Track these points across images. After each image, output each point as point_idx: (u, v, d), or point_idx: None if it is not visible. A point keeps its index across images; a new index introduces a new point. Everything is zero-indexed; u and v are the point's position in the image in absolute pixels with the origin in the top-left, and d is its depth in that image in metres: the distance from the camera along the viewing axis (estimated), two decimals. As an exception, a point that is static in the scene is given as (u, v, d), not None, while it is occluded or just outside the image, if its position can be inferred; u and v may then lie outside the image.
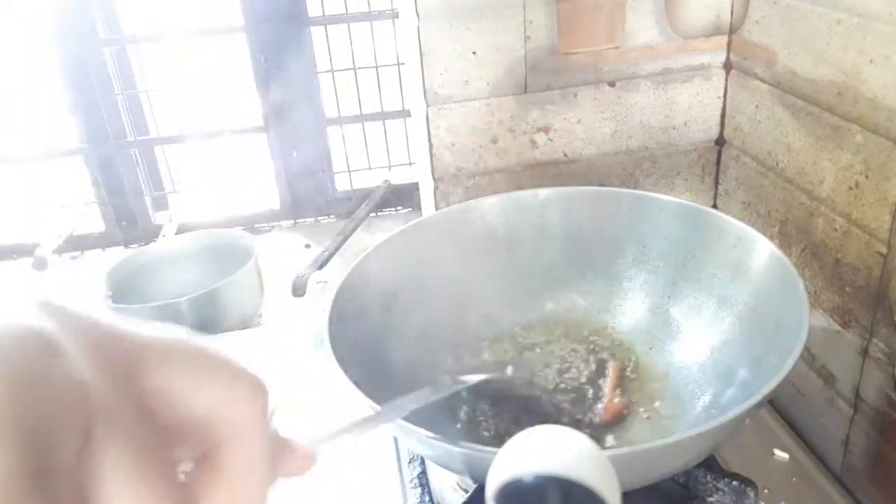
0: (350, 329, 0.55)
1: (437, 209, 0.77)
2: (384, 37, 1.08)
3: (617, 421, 0.60)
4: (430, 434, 0.44)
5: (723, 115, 0.79)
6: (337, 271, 0.95)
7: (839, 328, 0.62)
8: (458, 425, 0.63)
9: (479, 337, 0.70)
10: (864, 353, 0.59)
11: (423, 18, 0.69)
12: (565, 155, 0.78)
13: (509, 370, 0.52)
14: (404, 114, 1.12)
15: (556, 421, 0.62)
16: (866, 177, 0.57)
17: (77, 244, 1.12)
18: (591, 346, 0.69)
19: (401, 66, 1.07)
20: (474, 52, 0.72)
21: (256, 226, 1.16)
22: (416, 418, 0.46)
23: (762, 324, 0.57)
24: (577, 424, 0.61)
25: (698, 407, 0.60)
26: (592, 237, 0.70)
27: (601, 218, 0.70)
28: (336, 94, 1.10)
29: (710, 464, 0.54)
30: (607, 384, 0.63)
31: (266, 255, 1.00)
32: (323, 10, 1.04)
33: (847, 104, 0.58)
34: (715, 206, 0.83)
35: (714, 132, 0.80)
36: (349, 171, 1.14)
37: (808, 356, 0.66)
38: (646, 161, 0.80)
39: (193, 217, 1.14)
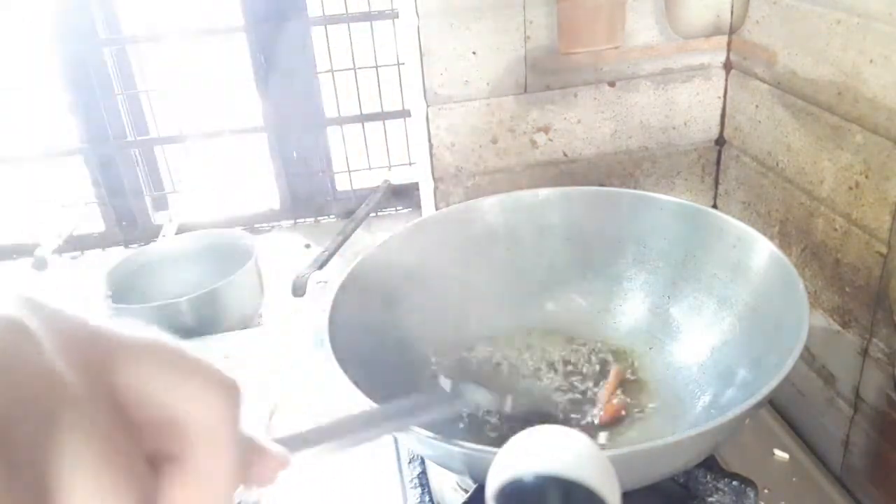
0: (350, 329, 0.55)
1: (437, 209, 0.77)
2: (384, 37, 1.08)
3: (615, 422, 0.60)
4: (430, 434, 0.44)
5: (723, 115, 0.79)
6: (337, 271, 0.95)
7: (839, 328, 0.62)
8: (460, 425, 0.63)
9: (479, 337, 0.70)
10: (864, 353, 0.59)
11: (423, 18, 0.69)
12: (565, 155, 0.78)
13: (508, 402, 0.52)
14: (404, 114, 1.11)
15: (556, 421, 0.62)
16: (866, 177, 0.57)
17: (77, 244, 1.12)
18: (591, 346, 0.69)
19: (401, 66, 1.06)
20: (474, 52, 0.72)
21: (256, 226, 1.16)
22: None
23: (762, 324, 0.57)
24: (575, 425, 0.61)
25: (698, 407, 0.60)
26: (592, 237, 0.70)
27: (601, 218, 0.70)
28: (336, 94, 1.10)
29: (710, 464, 0.54)
30: (607, 386, 0.63)
31: (266, 255, 1.00)
32: (323, 10, 1.04)
33: (847, 104, 0.58)
34: (715, 206, 0.83)
35: (714, 132, 0.80)
36: (349, 171, 1.14)
37: (808, 356, 0.66)
38: (646, 161, 0.80)
39: (193, 217, 1.14)
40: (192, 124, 1.13)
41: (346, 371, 0.48)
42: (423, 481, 0.58)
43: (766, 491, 0.60)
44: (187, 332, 0.81)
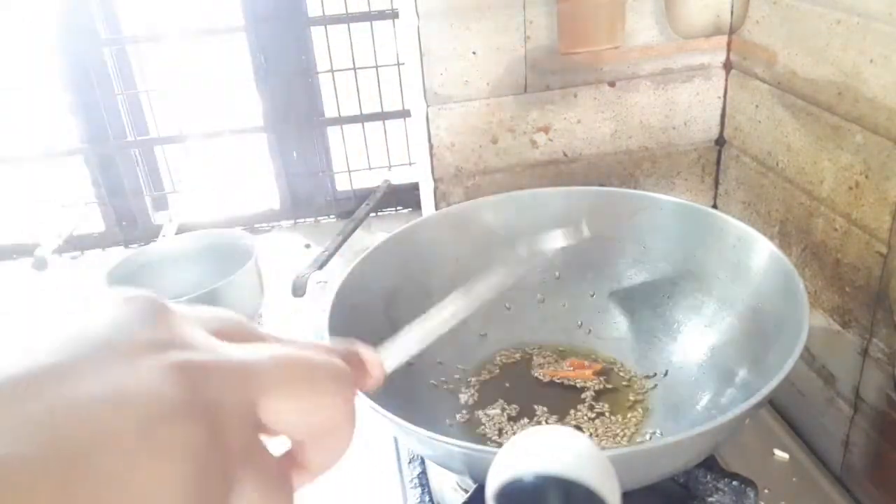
0: (350, 329, 0.55)
1: (437, 209, 0.77)
2: (384, 37, 1.08)
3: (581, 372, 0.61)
4: (430, 434, 0.44)
5: (723, 115, 0.79)
6: (337, 271, 0.95)
7: (839, 328, 0.62)
8: (459, 425, 0.63)
9: (479, 337, 0.70)
10: (864, 353, 0.59)
11: (423, 18, 0.69)
12: (565, 155, 0.78)
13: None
14: (404, 114, 1.11)
15: (550, 414, 0.62)
16: (866, 177, 0.57)
17: (77, 244, 1.12)
18: (591, 345, 0.69)
19: (401, 66, 1.06)
20: (474, 52, 0.72)
21: (256, 226, 1.16)
22: (417, 418, 0.46)
23: (762, 324, 0.58)
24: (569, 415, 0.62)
25: (698, 407, 0.60)
26: (592, 237, 0.70)
27: (601, 218, 0.70)
28: (336, 94, 1.10)
29: (710, 464, 0.54)
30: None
31: (266, 255, 1.00)
32: (323, 10, 1.04)
33: (847, 104, 0.58)
34: (715, 206, 0.83)
35: (714, 132, 0.80)
36: (349, 171, 1.14)
37: (808, 356, 0.66)
38: (646, 161, 0.80)
39: (193, 217, 1.14)
40: (192, 124, 1.12)
41: (346, 371, 0.48)
42: (423, 481, 0.58)
43: (766, 491, 0.60)
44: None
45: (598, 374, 0.66)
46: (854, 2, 0.55)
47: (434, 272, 0.67)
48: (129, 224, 1.14)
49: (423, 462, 0.59)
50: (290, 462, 0.24)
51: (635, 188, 0.80)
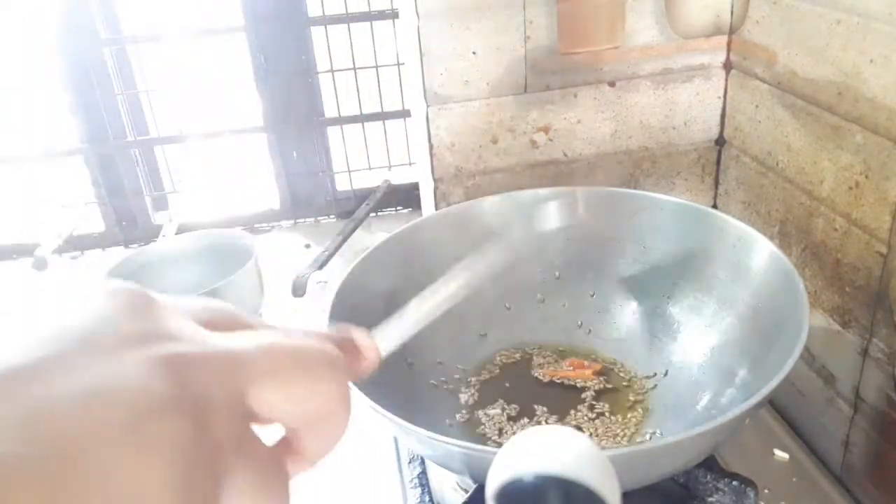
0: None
1: (437, 209, 0.77)
2: (384, 37, 1.08)
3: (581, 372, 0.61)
4: (430, 434, 0.44)
5: (723, 115, 0.79)
6: (337, 271, 0.95)
7: (839, 328, 0.62)
8: (459, 425, 0.63)
9: (479, 336, 0.70)
10: (864, 353, 0.59)
11: (423, 18, 0.69)
12: (565, 155, 0.78)
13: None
14: (404, 114, 1.11)
15: (551, 414, 0.62)
16: (866, 177, 0.57)
17: (77, 244, 1.12)
18: (591, 345, 0.69)
19: (401, 66, 1.06)
20: (474, 52, 0.72)
21: (256, 226, 1.16)
22: (417, 418, 0.46)
23: (762, 324, 0.58)
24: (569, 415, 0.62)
25: (698, 407, 0.60)
26: (592, 237, 0.70)
27: (601, 218, 0.70)
28: (336, 94, 1.09)
29: (710, 464, 0.54)
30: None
31: (266, 255, 1.00)
32: (323, 10, 1.04)
33: (847, 104, 0.58)
34: (715, 206, 0.83)
35: (714, 132, 0.80)
36: (349, 171, 1.14)
37: (808, 356, 0.66)
38: (646, 161, 0.80)
39: (193, 217, 1.14)
40: (192, 124, 1.12)
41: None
42: (423, 481, 0.58)
43: (766, 491, 0.60)
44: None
45: (597, 373, 0.66)
46: (854, 2, 0.55)
47: (434, 272, 0.66)
48: (129, 224, 1.14)
49: (423, 462, 0.59)
50: (285, 450, 0.23)
51: (635, 188, 0.80)
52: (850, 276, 0.60)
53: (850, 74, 0.57)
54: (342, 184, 1.17)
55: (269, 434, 0.23)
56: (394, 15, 1.04)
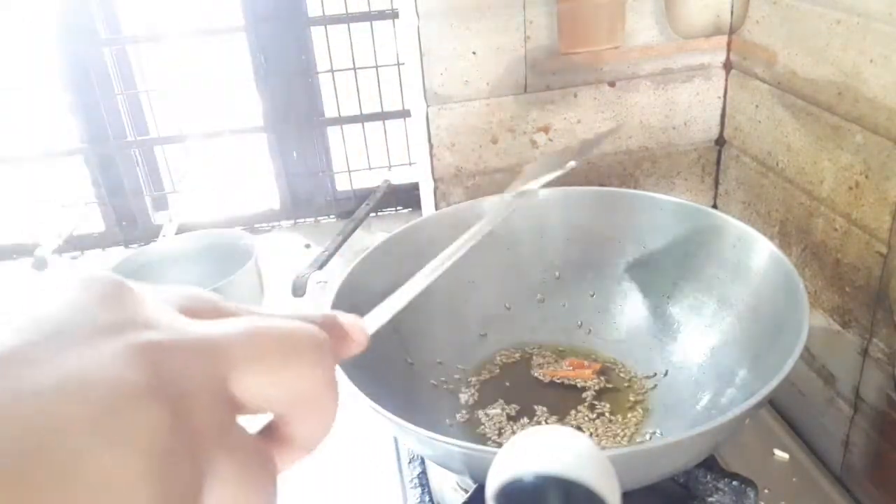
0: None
1: (437, 209, 0.77)
2: (384, 37, 1.08)
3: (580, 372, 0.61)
4: (430, 434, 0.44)
5: (723, 115, 0.79)
6: (337, 271, 0.95)
7: (839, 328, 0.62)
8: (459, 425, 0.63)
9: (479, 337, 0.70)
10: (864, 353, 0.59)
11: (423, 18, 0.69)
12: (565, 155, 0.78)
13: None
14: (404, 114, 1.11)
15: (551, 414, 0.62)
16: (866, 177, 0.57)
17: (77, 244, 1.12)
18: (591, 346, 0.69)
19: (401, 66, 1.06)
20: (474, 52, 0.72)
21: (256, 226, 1.16)
22: (417, 418, 0.46)
23: (762, 324, 0.58)
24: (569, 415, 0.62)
25: (698, 407, 0.60)
26: (592, 237, 0.71)
27: (601, 218, 0.70)
28: (336, 94, 1.09)
29: (710, 464, 0.54)
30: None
31: (266, 255, 1.00)
32: (323, 10, 1.04)
33: (847, 104, 0.58)
34: (715, 206, 0.83)
35: (714, 132, 0.80)
36: (349, 171, 1.14)
37: (808, 356, 0.66)
38: (646, 161, 0.80)
39: (193, 217, 1.14)
40: (192, 124, 1.12)
41: (345, 371, 0.48)
42: (423, 481, 0.58)
43: (766, 491, 0.60)
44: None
45: (597, 373, 0.66)
46: (854, 2, 0.55)
47: (434, 272, 0.67)
48: (129, 224, 1.14)
49: (423, 462, 0.59)
50: (273, 439, 0.23)
51: (635, 188, 0.80)
52: (850, 276, 0.60)
53: (850, 74, 0.57)
54: (342, 184, 1.17)
55: (254, 423, 0.22)
56: (394, 15, 1.04)
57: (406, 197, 1.15)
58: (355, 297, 0.59)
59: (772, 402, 0.71)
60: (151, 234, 1.10)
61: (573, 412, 0.63)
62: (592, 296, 0.71)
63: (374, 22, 1.06)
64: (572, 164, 0.44)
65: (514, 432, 0.61)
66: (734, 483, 0.52)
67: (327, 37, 1.06)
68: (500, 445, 0.31)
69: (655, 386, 0.64)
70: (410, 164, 1.15)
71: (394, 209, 1.17)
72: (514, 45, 0.72)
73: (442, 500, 0.59)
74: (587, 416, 0.62)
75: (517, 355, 0.69)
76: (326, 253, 0.99)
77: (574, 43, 0.73)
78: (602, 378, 0.66)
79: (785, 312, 0.54)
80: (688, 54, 0.76)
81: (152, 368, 0.18)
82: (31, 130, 1.19)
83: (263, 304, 0.91)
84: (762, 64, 0.70)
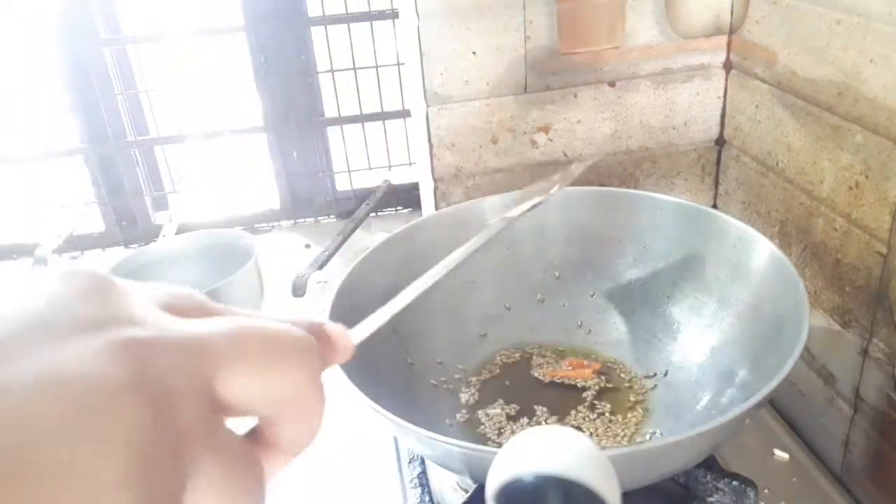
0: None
1: (437, 209, 0.77)
2: (384, 37, 1.08)
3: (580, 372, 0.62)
4: (430, 434, 0.44)
5: (723, 115, 0.79)
6: (337, 271, 0.95)
7: (839, 328, 0.62)
8: (459, 424, 0.63)
9: (479, 337, 0.70)
10: (864, 353, 0.59)
11: (423, 18, 0.69)
12: (565, 155, 0.78)
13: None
14: (404, 114, 1.11)
15: (551, 414, 0.62)
16: (866, 177, 0.57)
17: (77, 244, 1.12)
18: (591, 346, 0.69)
19: (401, 66, 1.06)
20: (474, 52, 0.72)
21: (256, 226, 1.16)
22: (417, 418, 0.46)
23: (762, 324, 0.58)
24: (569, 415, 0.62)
25: (698, 407, 0.60)
26: (592, 237, 0.71)
27: (601, 218, 0.70)
28: (336, 94, 1.09)
29: (710, 464, 0.54)
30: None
31: (266, 255, 1.00)
32: (323, 10, 1.04)
33: (847, 104, 0.58)
34: (715, 206, 0.83)
35: (714, 132, 0.80)
36: (349, 171, 1.14)
37: (808, 356, 0.66)
38: (646, 161, 0.80)
39: (193, 217, 1.14)
40: (192, 124, 1.12)
41: (346, 371, 0.48)
42: (423, 481, 0.58)
43: (766, 491, 0.60)
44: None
45: (597, 372, 0.66)
46: (854, 2, 0.55)
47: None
48: (129, 224, 1.14)
49: (423, 462, 0.59)
50: (259, 442, 0.22)
51: (635, 188, 0.80)
52: (850, 276, 0.60)
53: (850, 74, 0.57)
54: (342, 184, 1.17)
55: (241, 425, 0.22)
56: (394, 15, 1.04)
57: (406, 197, 1.15)
58: (355, 297, 0.59)
59: (772, 402, 0.71)
60: (151, 234, 1.10)
61: (573, 412, 0.63)
62: (592, 296, 0.71)
63: (374, 22, 1.06)
64: (555, 189, 0.44)
65: (514, 432, 0.61)
66: (734, 483, 0.52)
67: (327, 37, 1.06)
68: (500, 445, 0.31)
69: (655, 386, 0.64)
70: (410, 164, 1.16)
71: (394, 209, 1.17)
72: (514, 45, 0.72)
73: (442, 500, 0.59)
74: (587, 416, 0.62)
75: (517, 355, 0.69)
76: (326, 253, 0.99)
77: (574, 43, 0.73)
78: (602, 378, 0.66)
79: (785, 312, 0.54)
80: (688, 54, 0.76)
81: (135, 365, 0.18)
82: (31, 130, 1.19)
83: (263, 304, 0.91)
84: (762, 64, 0.70)
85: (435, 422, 0.62)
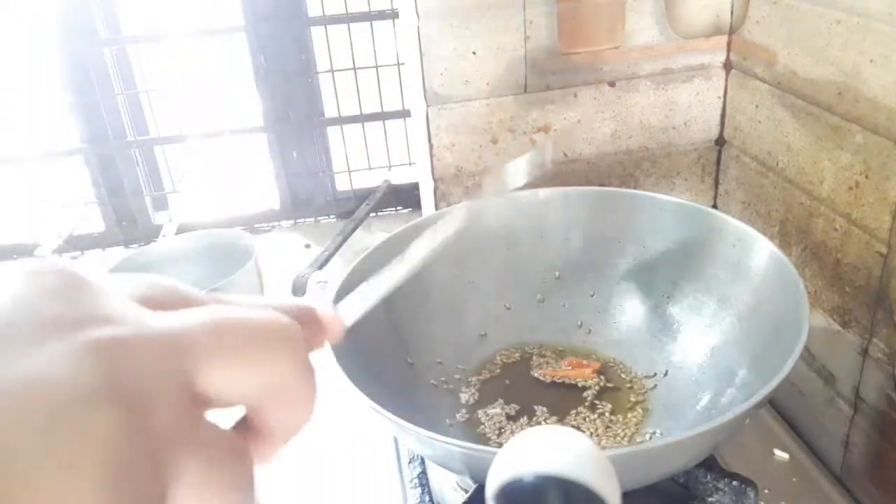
0: (349, 329, 0.55)
1: (437, 209, 0.77)
2: (384, 37, 1.08)
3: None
4: (430, 434, 0.44)
5: (723, 115, 0.79)
6: (337, 271, 0.95)
7: (839, 328, 0.62)
8: (459, 424, 0.63)
9: (479, 336, 0.70)
10: (864, 353, 0.59)
11: (423, 18, 0.69)
12: (565, 155, 0.78)
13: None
14: (404, 114, 1.11)
15: (551, 414, 0.62)
16: (866, 177, 0.57)
17: (77, 244, 1.12)
18: (591, 346, 0.69)
19: (401, 66, 1.06)
20: (474, 52, 0.72)
21: (256, 226, 1.16)
22: (417, 418, 0.46)
23: (762, 324, 0.58)
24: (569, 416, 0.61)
25: (698, 407, 0.60)
26: (592, 237, 0.71)
27: (601, 218, 0.70)
28: (336, 94, 1.09)
29: (710, 464, 0.54)
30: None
31: (266, 255, 1.00)
32: (323, 10, 1.04)
33: (847, 104, 0.58)
34: (715, 206, 0.83)
35: (714, 132, 0.80)
36: (349, 171, 1.14)
37: (808, 356, 0.66)
38: (646, 161, 0.80)
39: (193, 217, 1.14)
40: (192, 124, 1.12)
41: (346, 371, 0.48)
42: (423, 481, 0.58)
43: (766, 491, 0.60)
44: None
45: (597, 372, 0.66)
46: (854, 2, 0.55)
47: (434, 272, 0.67)
48: (129, 224, 1.14)
49: (423, 462, 0.59)
50: (248, 432, 0.21)
51: (635, 188, 0.80)
52: (850, 276, 0.60)
53: (850, 74, 0.57)
54: (342, 184, 1.17)
55: (229, 417, 0.21)
56: (394, 15, 1.04)
57: (406, 197, 1.15)
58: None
59: (772, 402, 0.71)
60: (151, 234, 1.10)
61: (573, 412, 0.63)
62: (592, 296, 0.71)
63: (374, 22, 1.06)
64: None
65: (514, 432, 0.61)
66: (734, 483, 0.52)
67: (327, 37, 1.06)
68: (500, 445, 0.31)
69: (655, 386, 0.64)
70: (410, 164, 1.16)
71: (394, 209, 1.17)
72: (514, 45, 0.72)
73: (442, 500, 0.59)
74: (587, 416, 0.62)
75: (517, 355, 0.69)
76: (326, 253, 0.99)
77: (574, 43, 0.73)
78: (602, 378, 0.66)
79: (785, 312, 0.54)
80: (688, 54, 0.76)
81: (107, 367, 0.17)
82: (31, 130, 1.19)
83: (263, 304, 0.90)
84: (762, 64, 0.70)
85: (435, 422, 0.61)
